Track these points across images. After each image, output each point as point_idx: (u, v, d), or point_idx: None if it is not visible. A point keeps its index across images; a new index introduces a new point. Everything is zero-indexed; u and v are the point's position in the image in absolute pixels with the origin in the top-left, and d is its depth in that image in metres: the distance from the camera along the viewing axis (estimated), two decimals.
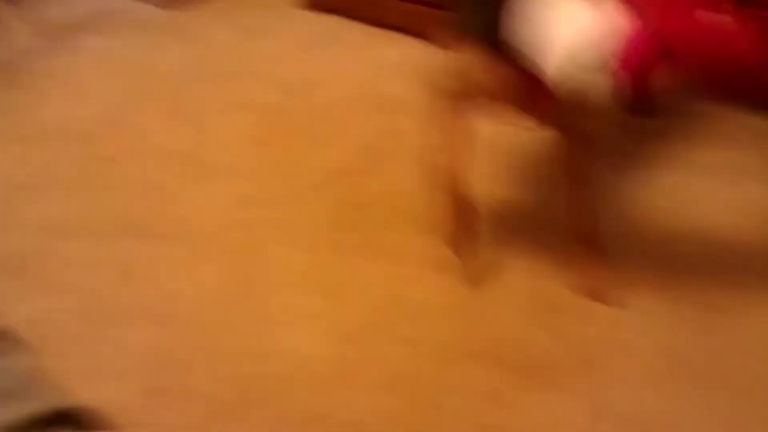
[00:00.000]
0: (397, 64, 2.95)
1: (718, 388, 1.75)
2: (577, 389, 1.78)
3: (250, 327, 1.98)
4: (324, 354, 1.89)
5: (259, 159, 2.57)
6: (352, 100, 2.80)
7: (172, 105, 2.91)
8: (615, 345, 1.86)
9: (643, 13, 1.51)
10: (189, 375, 1.87)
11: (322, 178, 2.46)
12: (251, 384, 1.83)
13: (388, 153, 2.54)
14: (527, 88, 1.69)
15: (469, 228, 2.05)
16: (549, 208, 2.21)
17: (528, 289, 2.02)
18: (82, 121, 2.86)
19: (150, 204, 2.42)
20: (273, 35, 3.33)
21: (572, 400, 1.76)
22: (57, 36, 3.49)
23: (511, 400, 1.76)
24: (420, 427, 1.74)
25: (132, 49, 3.33)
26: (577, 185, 1.93)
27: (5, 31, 3.49)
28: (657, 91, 2.35)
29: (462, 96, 1.84)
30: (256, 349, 1.91)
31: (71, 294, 2.12)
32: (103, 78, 3.15)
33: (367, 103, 2.78)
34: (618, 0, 1.52)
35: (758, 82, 1.63)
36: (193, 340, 1.96)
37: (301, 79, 2.99)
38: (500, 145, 2.42)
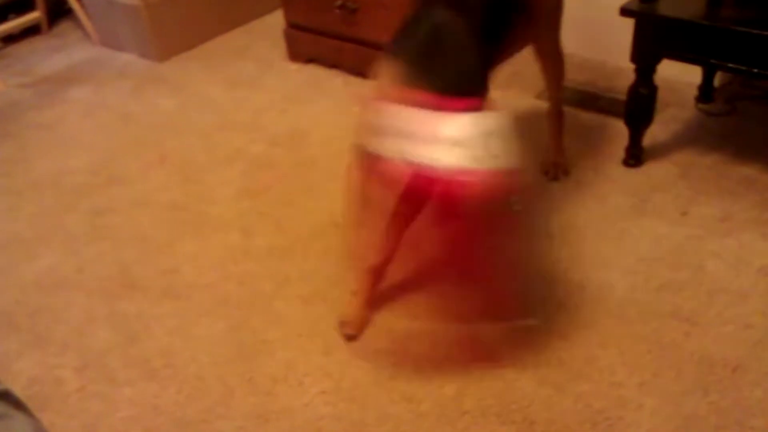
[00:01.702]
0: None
1: None
2: None
3: (253, 386, 1.99)
4: (328, 413, 1.90)
5: (249, 210, 2.61)
6: (338, 150, 2.86)
7: (160, 156, 2.95)
8: (616, 401, 1.88)
9: None
10: None
11: (313, 230, 2.50)
12: None
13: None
14: None
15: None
16: None
17: (527, 342, 2.04)
18: (71, 173, 2.89)
19: (143, 257, 2.44)
20: (257, 85, 3.40)
21: None
22: (44, 87, 3.53)
23: None
24: None
25: (119, 100, 3.38)
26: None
27: None
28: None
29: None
30: (259, 409, 1.92)
31: (67, 350, 2.13)
32: (91, 129, 3.19)
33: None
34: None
35: None
36: (192, 398, 1.97)
37: (287, 130, 3.05)
38: None
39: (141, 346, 2.13)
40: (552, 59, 2.55)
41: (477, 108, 1.68)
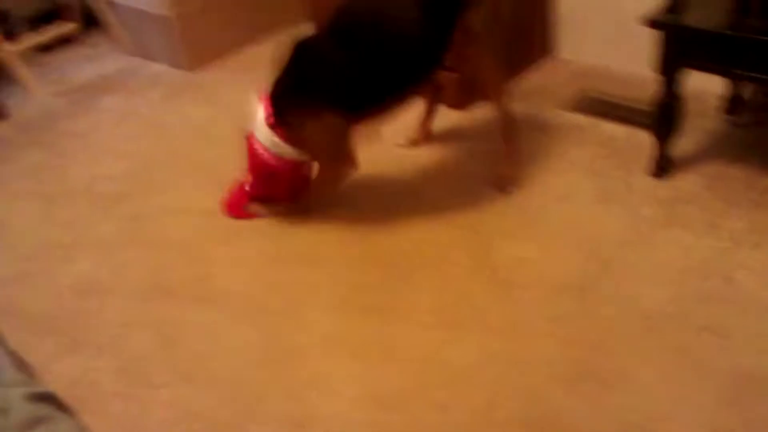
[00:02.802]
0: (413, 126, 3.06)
1: None
2: None
3: (286, 391, 2.02)
4: (361, 420, 1.92)
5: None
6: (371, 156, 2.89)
7: (191, 164, 3.00)
8: (648, 414, 1.88)
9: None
10: None
11: (344, 236, 2.55)
12: None
13: (407, 210, 2.64)
14: None
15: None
16: None
17: (559, 354, 2.06)
18: (105, 180, 2.95)
19: (177, 263, 2.49)
20: None
21: None
22: (77, 96, 3.60)
23: None
24: None
25: (150, 109, 3.44)
26: None
27: (29, 93, 3.60)
28: None
29: None
30: (292, 414, 1.95)
31: (104, 353, 2.18)
32: (123, 137, 3.25)
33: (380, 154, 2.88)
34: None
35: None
36: (227, 402, 2.00)
37: None
38: None
39: (176, 351, 2.17)
40: (484, 65, 2.66)
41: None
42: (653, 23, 2.45)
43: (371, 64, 2.38)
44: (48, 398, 1.26)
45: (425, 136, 2.97)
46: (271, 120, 2.44)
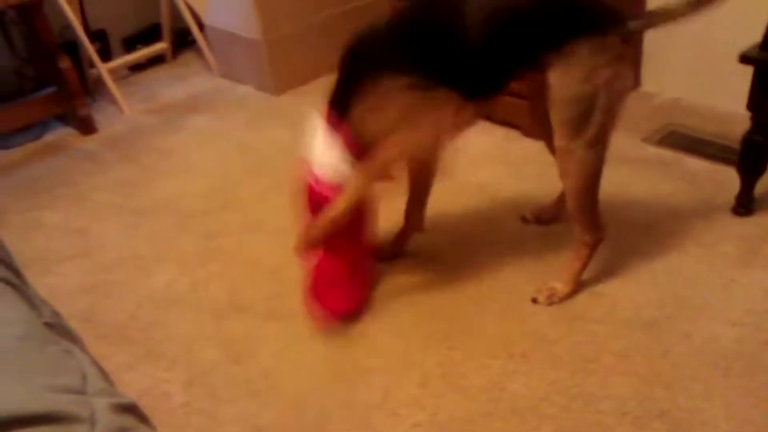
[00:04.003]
0: (486, 153, 3.06)
1: None
2: None
3: (351, 412, 2.03)
4: None
5: None
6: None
7: (272, 183, 3.06)
8: None
9: None
10: None
11: (417, 260, 2.55)
12: None
13: (480, 240, 2.63)
14: None
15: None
16: None
17: (629, 389, 2.02)
18: (189, 197, 3.03)
19: (252, 280, 2.54)
20: None
21: None
22: (166, 114, 3.72)
23: None
24: None
25: (235, 129, 3.52)
26: None
27: (119, 109, 3.74)
28: None
29: None
30: None
31: (176, 365, 2.23)
32: (208, 156, 3.33)
33: (455, 187, 2.88)
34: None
35: None
36: (292, 420, 2.02)
37: None
38: None
39: (245, 366, 2.21)
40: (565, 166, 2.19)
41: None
42: (746, 59, 2.40)
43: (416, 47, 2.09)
44: (132, 409, 1.28)
45: (556, 214, 2.65)
46: (332, 121, 2.19)
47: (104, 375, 1.37)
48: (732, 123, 2.61)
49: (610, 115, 2.11)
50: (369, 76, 2.12)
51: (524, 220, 2.68)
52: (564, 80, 2.07)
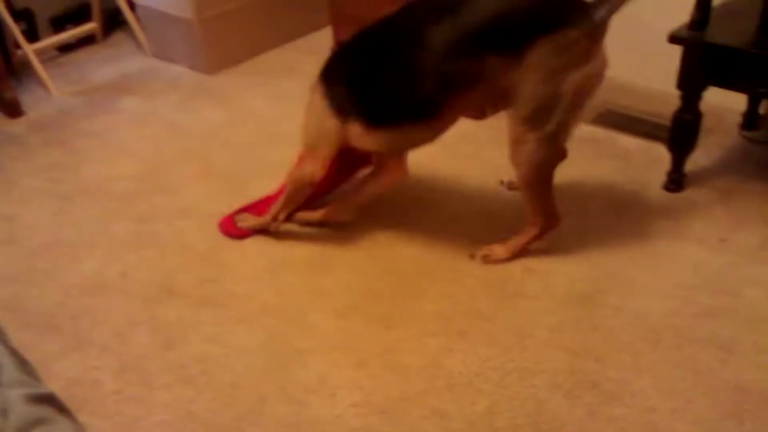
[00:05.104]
0: None
1: None
2: None
3: (286, 395, 2.01)
4: (360, 426, 1.91)
5: (288, 224, 2.65)
6: None
7: (204, 167, 3.00)
8: (648, 426, 1.87)
9: None
10: None
11: (354, 243, 2.54)
12: None
13: (417, 219, 2.63)
14: None
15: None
16: None
17: (561, 363, 2.05)
18: (118, 181, 2.96)
19: (185, 265, 2.49)
20: (303, 100, 3.43)
21: None
22: (96, 96, 3.62)
23: None
24: None
25: (167, 111, 3.45)
26: None
27: (47, 91, 3.63)
28: None
29: None
30: (291, 418, 1.95)
31: (106, 353, 2.18)
32: (139, 138, 3.26)
33: None
34: None
35: None
36: (226, 405, 2.00)
37: None
38: None
39: (178, 352, 2.17)
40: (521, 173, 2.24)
41: None
42: (677, 39, 2.43)
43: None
44: (48, 399, 1.25)
45: None
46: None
47: (24, 366, 1.33)
48: (665, 102, 2.64)
49: (573, 114, 2.12)
50: (318, 80, 2.38)
51: (501, 183, 2.71)
52: (526, 80, 2.05)
